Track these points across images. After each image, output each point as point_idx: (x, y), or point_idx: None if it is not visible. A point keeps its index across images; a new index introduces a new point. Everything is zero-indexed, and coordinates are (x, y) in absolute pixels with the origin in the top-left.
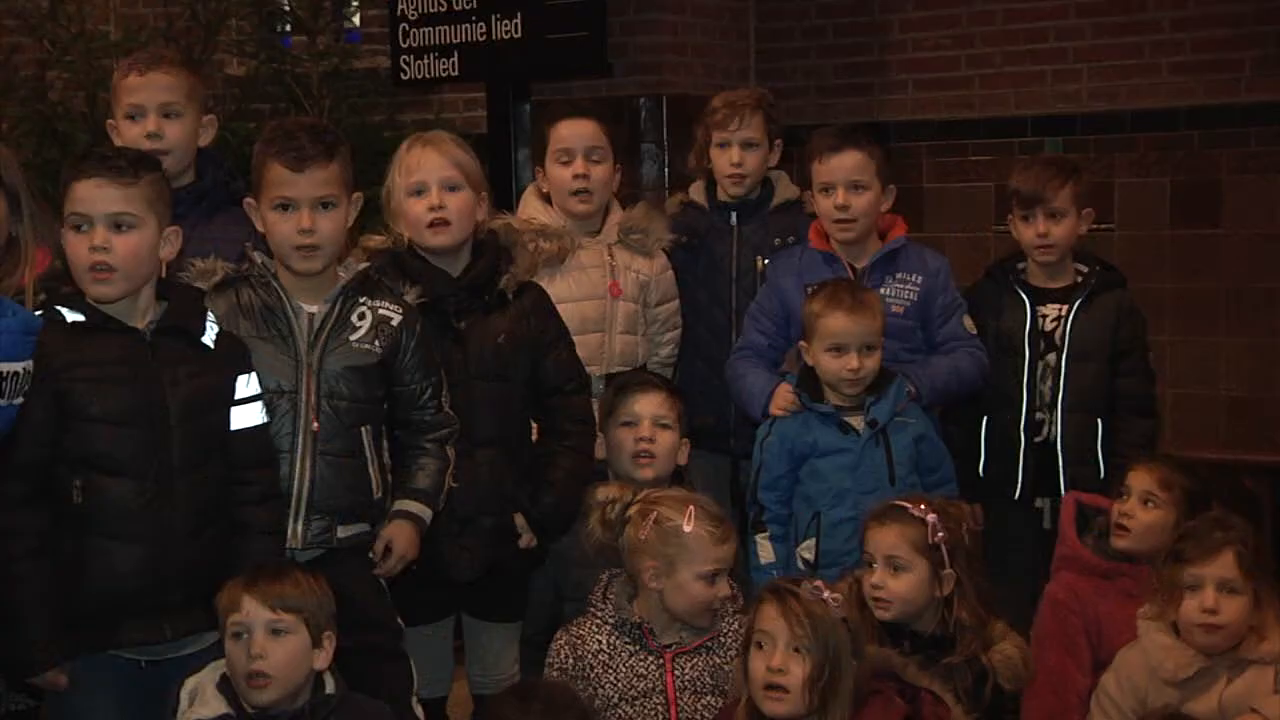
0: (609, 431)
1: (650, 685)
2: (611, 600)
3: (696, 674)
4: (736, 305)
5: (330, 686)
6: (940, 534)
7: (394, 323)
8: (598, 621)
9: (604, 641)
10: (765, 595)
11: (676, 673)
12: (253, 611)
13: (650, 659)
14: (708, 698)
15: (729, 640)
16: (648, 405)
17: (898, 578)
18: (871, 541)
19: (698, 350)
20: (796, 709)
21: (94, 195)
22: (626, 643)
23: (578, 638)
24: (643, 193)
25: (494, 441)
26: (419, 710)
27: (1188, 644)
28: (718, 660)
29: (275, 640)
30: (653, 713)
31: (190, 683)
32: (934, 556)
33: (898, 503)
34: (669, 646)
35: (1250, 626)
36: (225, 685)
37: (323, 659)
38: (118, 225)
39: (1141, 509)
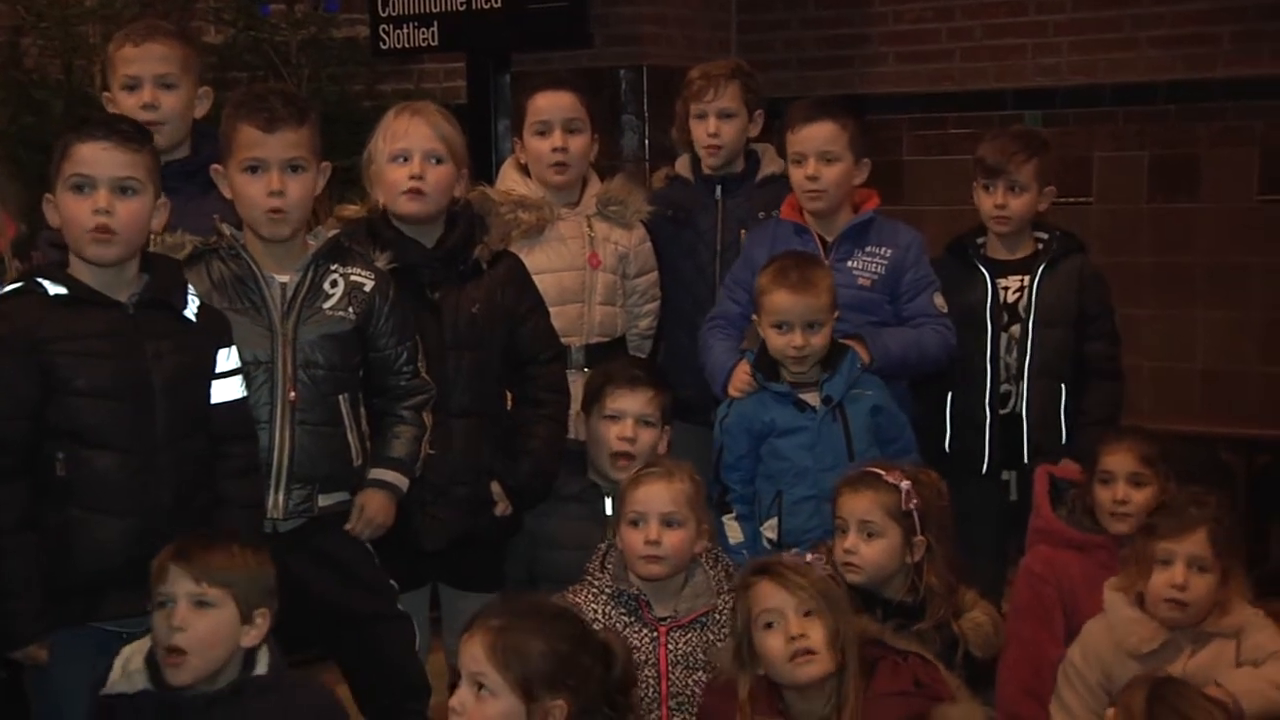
0: (591, 420)
1: (643, 658)
2: (610, 570)
3: (690, 649)
4: (720, 278)
5: (262, 667)
6: (914, 501)
7: (366, 288)
8: (594, 591)
9: (599, 611)
10: (752, 580)
11: (670, 646)
12: (177, 582)
13: (645, 631)
14: (699, 673)
15: (723, 617)
16: (633, 403)
17: (870, 543)
18: (844, 507)
19: (680, 323)
20: (828, 667)
21: (100, 158)
22: (622, 614)
23: (573, 605)
24: (623, 164)
25: (469, 412)
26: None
27: (1152, 617)
28: (710, 636)
29: (197, 613)
30: (643, 685)
31: (126, 650)
32: (906, 523)
33: (871, 469)
34: (664, 620)
35: (1215, 601)
36: (154, 658)
37: (253, 636)
38: (122, 189)
39: (1135, 490)
